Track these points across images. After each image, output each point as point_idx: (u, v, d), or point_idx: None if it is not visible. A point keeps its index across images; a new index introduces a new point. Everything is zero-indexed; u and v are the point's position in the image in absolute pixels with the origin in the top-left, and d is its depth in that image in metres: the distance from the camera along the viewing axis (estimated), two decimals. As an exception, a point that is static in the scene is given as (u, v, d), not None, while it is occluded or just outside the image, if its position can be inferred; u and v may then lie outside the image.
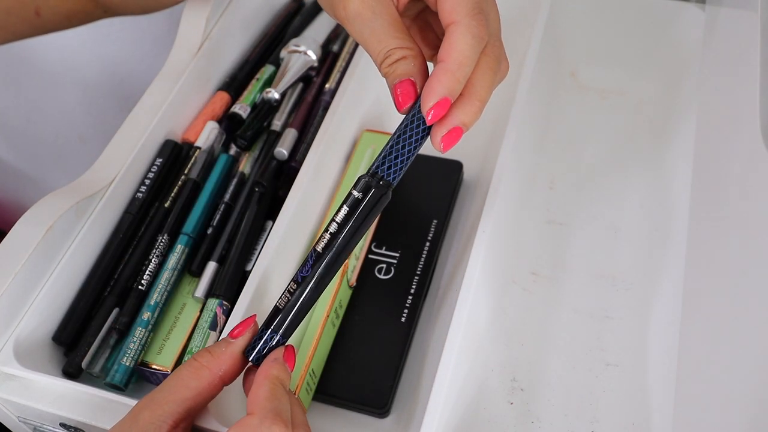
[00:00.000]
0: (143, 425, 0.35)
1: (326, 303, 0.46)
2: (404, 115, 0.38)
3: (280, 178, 0.56)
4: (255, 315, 0.39)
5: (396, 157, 0.37)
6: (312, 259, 0.38)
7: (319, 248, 0.38)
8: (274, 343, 0.38)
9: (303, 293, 0.38)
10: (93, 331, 0.48)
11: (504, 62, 0.39)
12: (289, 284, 0.38)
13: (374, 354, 0.48)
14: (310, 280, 0.37)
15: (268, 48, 0.64)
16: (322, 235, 0.38)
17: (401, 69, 0.37)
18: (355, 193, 0.37)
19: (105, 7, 0.57)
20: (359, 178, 0.38)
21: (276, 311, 0.38)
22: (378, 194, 0.37)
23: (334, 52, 0.64)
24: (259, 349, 0.38)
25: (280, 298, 0.38)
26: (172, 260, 0.51)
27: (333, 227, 0.37)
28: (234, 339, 0.38)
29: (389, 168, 0.37)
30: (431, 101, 0.35)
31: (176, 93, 0.56)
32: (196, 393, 0.37)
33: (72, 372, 0.47)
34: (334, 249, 0.37)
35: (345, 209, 0.37)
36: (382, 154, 0.38)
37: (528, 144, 0.57)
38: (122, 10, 0.58)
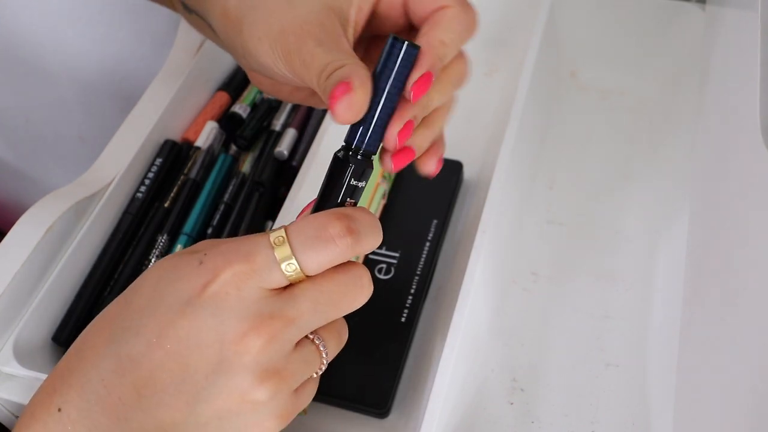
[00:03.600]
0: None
1: (326, 303, 0.46)
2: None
3: (280, 178, 0.56)
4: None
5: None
6: None
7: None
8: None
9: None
10: (93, 331, 0.48)
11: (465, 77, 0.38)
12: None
13: (374, 354, 0.48)
14: None
15: (268, 48, 0.64)
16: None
17: (336, 76, 0.33)
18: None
19: None
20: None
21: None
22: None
23: (334, 52, 0.64)
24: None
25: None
26: (172, 260, 0.51)
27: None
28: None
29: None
30: (417, 74, 0.34)
31: (176, 93, 0.56)
32: None
33: (72, 372, 0.47)
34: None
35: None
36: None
37: (528, 144, 0.57)
38: None
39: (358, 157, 0.35)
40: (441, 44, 0.35)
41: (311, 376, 0.35)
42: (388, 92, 0.34)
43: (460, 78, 0.37)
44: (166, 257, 0.34)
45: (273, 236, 0.32)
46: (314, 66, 0.34)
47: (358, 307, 0.34)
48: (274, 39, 0.35)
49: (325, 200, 0.35)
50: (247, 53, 0.38)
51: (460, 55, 0.37)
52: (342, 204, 0.35)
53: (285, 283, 0.32)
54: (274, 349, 0.32)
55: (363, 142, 0.34)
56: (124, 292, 0.34)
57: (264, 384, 0.32)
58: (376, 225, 0.34)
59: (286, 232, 0.32)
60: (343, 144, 0.35)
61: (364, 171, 0.35)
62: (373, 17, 0.38)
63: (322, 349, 0.34)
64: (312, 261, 0.32)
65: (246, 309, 0.31)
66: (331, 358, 0.35)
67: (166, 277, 0.33)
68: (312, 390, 0.35)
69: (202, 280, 0.32)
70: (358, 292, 0.33)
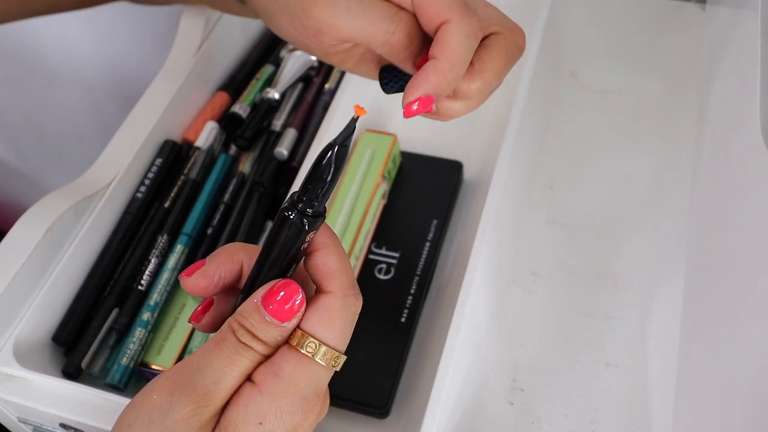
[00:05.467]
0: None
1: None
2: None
3: (280, 178, 0.56)
4: (292, 282, 0.32)
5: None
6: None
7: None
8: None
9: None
10: (93, 332, 0.48)
11: (520, 48, 0.38)
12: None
13: (374, 354, 0.48)
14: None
15: (267, 48, 0.64)
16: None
17: (413, 56, 0.35)
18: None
19: None
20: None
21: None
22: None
23: (334, 52, 0.64)
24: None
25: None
26: (172, 260, 0.51)
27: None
28: (287, 323, 0.31)
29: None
30: (415, 95, 0.34)
31: (176, 93, 0.56)
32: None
33: (72, 372, 0.47)
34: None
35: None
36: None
37: (528, 144, 0.57)
38: None
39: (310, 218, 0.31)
40: (450, 69, 0.35)
41: None
42: None
43: (506, 55, 0.37)
44: None
45: (326, 360, 0.31)
46: (375, 31, 0.35)
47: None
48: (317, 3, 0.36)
49: (274, 267, 0.32)
50: (306, 10, 0.37)
51: (510, 31, 0.38)
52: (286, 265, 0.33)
53: None
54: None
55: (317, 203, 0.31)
56: None
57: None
58: (346, 258, 0.34)
59: (330, 347, 0.31)
60: (296, 203, 0.31)
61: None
62: None
63: None
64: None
65: (324, 409, 0.34)
66: None
67: None
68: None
69: None
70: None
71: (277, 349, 0.32)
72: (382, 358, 0.48)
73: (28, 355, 0.45)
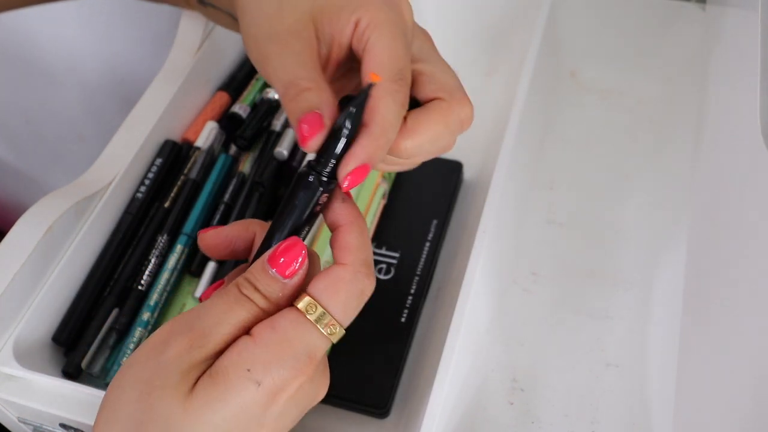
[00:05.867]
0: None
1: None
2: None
3: (280, 179, 0.56)
4: (299, 240, 0.34)
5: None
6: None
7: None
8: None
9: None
10: (93, 332, 0.48)
11: (461, 121, 0.37)
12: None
13: (374, 354, 0.48)
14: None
15: (268, 48, 0.64)
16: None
17: (306, 102, 0.33)
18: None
19: None
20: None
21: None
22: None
23: (334, 52, 0.64)
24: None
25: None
26: (172, 260, 0.51)
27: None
28: (288, 280, 0.33)
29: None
30: (350, 166, 0.33)
31: (176, 93, 0.56)
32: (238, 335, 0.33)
33: (72, 372, 0.47)
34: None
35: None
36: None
37: (528, 144, 0.57)
38: None
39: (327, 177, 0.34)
40: (381, 134, 0.34)
41: None
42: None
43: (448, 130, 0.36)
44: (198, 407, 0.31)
45: (323, 325, 0.32)
46: (282, 77, 0.35)
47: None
48: (259, 39, 0.36)
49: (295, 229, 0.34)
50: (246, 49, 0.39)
51: (455, 102, 0.36)
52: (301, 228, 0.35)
53: None
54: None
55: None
56: None
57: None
58: (367, 239, 0.35)
59: (331, 315, 0.33)
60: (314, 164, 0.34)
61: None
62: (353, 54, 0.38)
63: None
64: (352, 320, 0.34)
65: (318, 383, 0.34)
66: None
67: (224, 416, 0.31)
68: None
69: (270, 395, 0.31)
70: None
71: (277, 308, 0.33)
72: (382, 358, 0.48)
73: (28, 355, 0.45)
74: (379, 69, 0.34)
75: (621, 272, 0.53)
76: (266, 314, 0.33)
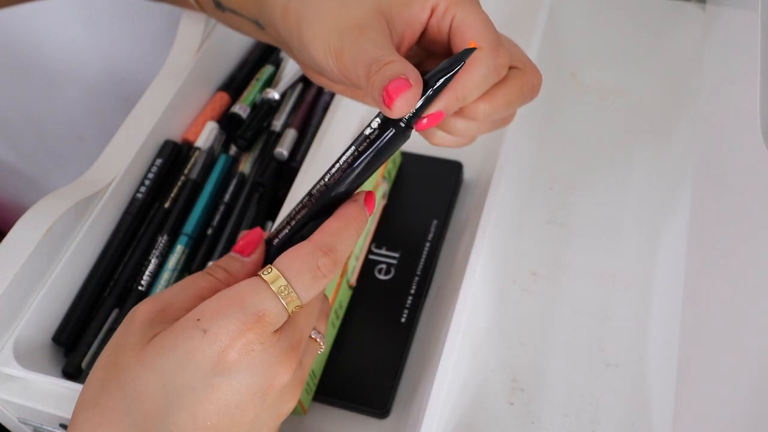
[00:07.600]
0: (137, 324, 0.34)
1: (326, 303, 0.46)
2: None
3: (280, 179, 0.56)
4: (260, 228, 0.38)
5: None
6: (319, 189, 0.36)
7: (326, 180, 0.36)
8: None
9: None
10: (93, 332, 0.48)
11: (534, 88, 0.39)
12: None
13: (374, 354, 0.48)
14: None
15: (267, 48, 0.64)
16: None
17: (391, 70, 0.34)
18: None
19: None
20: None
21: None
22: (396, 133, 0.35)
23: (334, 52, 0.64)
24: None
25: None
26: (172, 261, 0.51)
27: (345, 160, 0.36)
28: (246, 257, 0.37)
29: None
30: (429, 110, 0.35)
31: (176, 93, 0.56)
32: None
33: (72, 372, 0.47)
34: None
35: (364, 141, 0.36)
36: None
37: (528, 144, 0.57)
38: None
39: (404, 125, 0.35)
40: (462, 87, 0.35)
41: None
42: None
43: (517, 95, 0.38)
44: (148, 348, 0.33)
45: (276, 286, 0.34)
46: (363, 59, 0.35)
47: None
48: (328, 36, 0.37)
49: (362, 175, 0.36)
50: (303, 49, 0.40)
51: (524, 71, 0.38)
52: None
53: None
54: (297, 364, 0.35)
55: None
56: (111, 403, 0.32)
57: (296, 389, 0.36)
58: (350, 237, 0.36)
59: (285, 278, 0.34)
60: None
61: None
62: (423, 37, 0.39)
63: (319, 340, 0.38)
64: (310, 297, 0.35)
65: (274, 356, 0.33)
66: (324, 335, 0.39)
67: (171, 364, 0.32)
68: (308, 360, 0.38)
69: (216, 348, 0.32)
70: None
71: (236, 281, 0.35)
72: (382, 358, 0.48)
73: (28, 356, 0.45)
74: (478, 38, 0.36)
75: (621, 272, 0.53)
76: (226, 286, 0.35)
